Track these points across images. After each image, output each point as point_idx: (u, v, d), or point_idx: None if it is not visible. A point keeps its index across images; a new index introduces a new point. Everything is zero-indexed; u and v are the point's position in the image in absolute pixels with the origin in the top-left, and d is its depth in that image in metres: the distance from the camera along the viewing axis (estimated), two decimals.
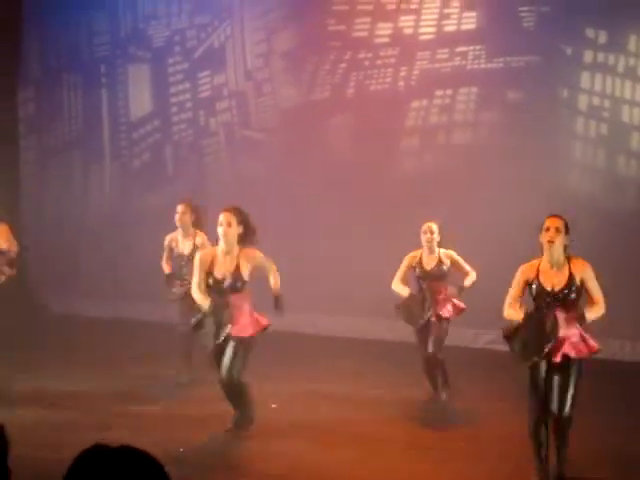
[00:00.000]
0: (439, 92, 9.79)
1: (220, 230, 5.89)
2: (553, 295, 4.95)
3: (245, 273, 5.89)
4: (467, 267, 6.96)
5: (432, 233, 6.94)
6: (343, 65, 10.13)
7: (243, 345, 5.82)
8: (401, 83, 9.94)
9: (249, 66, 10.56)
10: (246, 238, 5.94)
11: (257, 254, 5.98)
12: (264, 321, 5.95)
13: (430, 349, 6.77)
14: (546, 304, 4.97)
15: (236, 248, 5.91)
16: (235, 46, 10.60)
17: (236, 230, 5.89)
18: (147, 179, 11.20)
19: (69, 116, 11.51)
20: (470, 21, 9.57)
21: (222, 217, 5.91)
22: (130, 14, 11.09)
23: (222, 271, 5.86)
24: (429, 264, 6.93)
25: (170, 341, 7.86)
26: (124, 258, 10.80)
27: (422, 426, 6.45)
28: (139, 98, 11.14)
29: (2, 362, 7.71)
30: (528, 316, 4.95)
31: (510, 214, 8.96)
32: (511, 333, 4.95)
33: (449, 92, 9.73)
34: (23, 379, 7.53)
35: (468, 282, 6.93)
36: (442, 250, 6.96)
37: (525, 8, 9.27)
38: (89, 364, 8.15)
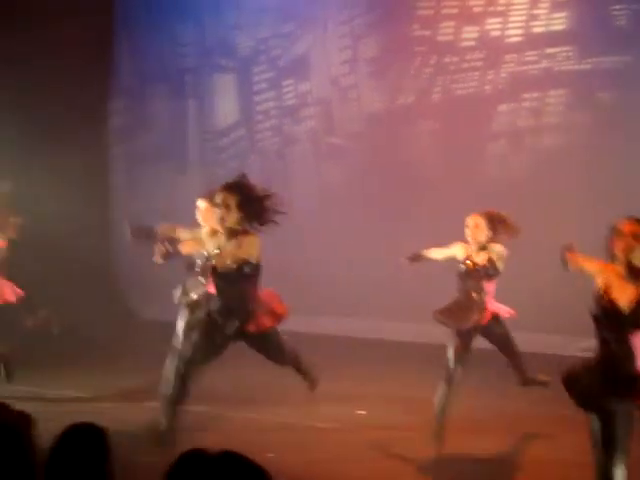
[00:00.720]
0: (527, 95, 9.59)
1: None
2: (628, 315, 4.08)
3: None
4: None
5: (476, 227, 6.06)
6: (428, 70, 10.03)
7: None
8: (488, 87, 9.77)
9: (334, 73, 10.57)
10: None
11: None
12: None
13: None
14: (616, 327, 4.09)
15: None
16: (320, 53, 10.62)
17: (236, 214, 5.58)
18: None
19: (157, 126, 11.73)
20: (559, 22, 9.34)
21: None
22: (216, 24, 11.24)
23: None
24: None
25: None
26: None
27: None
28: (224, 107, 11.28)
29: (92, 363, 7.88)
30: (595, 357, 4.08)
31: (603, 219, 8.67)
32: (573, 379, 4.11)
33: (537, 95, 9.53)
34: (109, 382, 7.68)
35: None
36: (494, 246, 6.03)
37: (617, 6, 9.00)
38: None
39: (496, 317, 6.07)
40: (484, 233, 6.09)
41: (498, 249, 6.06)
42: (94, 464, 2.29)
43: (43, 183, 9.32)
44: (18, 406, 2.09)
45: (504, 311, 6.16)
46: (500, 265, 6.03)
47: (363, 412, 6.85)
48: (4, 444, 1.86)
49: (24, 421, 1.94)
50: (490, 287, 6.07)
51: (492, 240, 6.05)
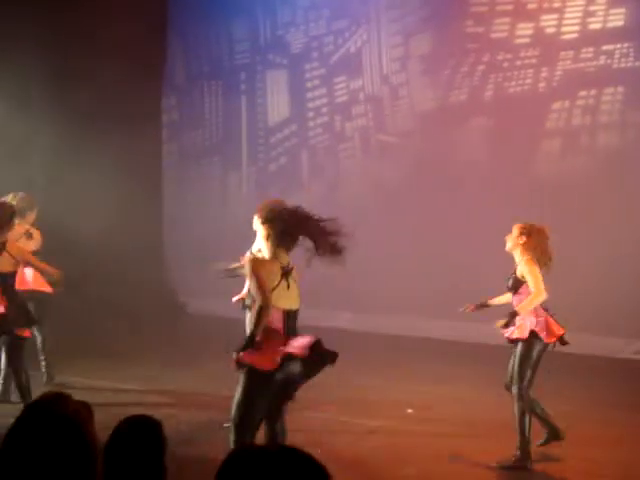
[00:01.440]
0: (582, 93, 9.43)
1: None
2: None
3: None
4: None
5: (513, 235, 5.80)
6: (481, 67, 9.93)
7: None
8: (542, 84, 9.64)
9: (385, 70, 10.53)
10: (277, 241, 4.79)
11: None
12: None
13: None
14: None
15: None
16: (372, 50, 10.59)
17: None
18: (283, 183, 11.36)
19: (209, 122, 11.83)
20: (617, 18, 9.17)
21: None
22: (269, 22, 11.29)
23: None
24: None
25: None
26: None
27: None
28: (277, 104, 11.32)
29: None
30: None
31: None
32: None
33: (593, 92, 9.37)
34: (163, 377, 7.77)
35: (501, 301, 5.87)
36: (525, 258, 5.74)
37: None
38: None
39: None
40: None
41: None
42: (150, 456, 2.32)
43: (97, 179, 9.45)
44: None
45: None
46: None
47: (411, 411, 6.82)
48: (65, 435, 1.90)
49: (85, 412, 1.98)
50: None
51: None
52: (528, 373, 5.56)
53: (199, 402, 7.09)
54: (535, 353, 5.57)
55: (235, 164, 11.76)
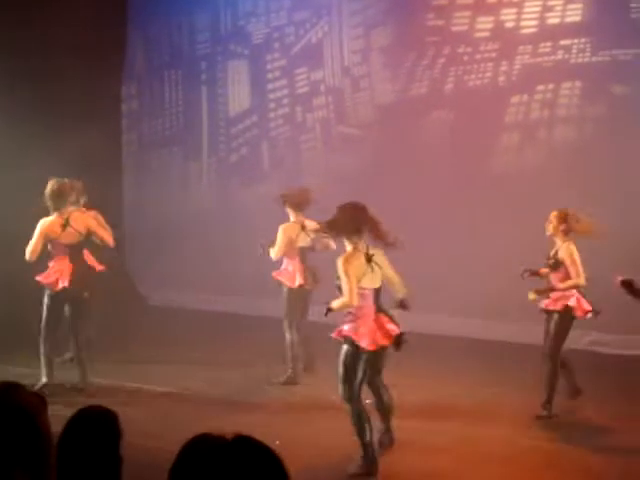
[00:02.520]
0: (541, 87, 9.55)
1: None
2: None
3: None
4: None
5: (550, 222, 6.83)
6: (442, 60, 10.00)
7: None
8: (501, 78, 9.73)
9: (346, 62, 10.55)
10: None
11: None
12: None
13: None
14: None
15: None
16: (333, 42, 10.60)
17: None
18: (244, 174, 11.34)
19: (170, 112, 11.76)
20: (575, 13, 9.29)
21: None
22: (230, 11, 11.24)
23: None
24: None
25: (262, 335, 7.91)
26: (220, 251, 10.95)
27: None
28: (238, 94, 11.29)
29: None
30: None
31: (615, 211, 8.66)
32: None
33: (551, 87, 9.49)
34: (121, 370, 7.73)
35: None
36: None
37: None
38: (187, 357, 8.29)
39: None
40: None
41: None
42: (105, 447, 2.32)
43: (55, 167, 9.34)
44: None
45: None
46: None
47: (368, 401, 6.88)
48: (18, 425, 1.89)
49: (38, 403, 1.97)
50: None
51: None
52: (560, 340, 6.64)
53: (158, 394, 7.07)
54: (567, 324, 6.63)
55: (196, 154, 11.71)
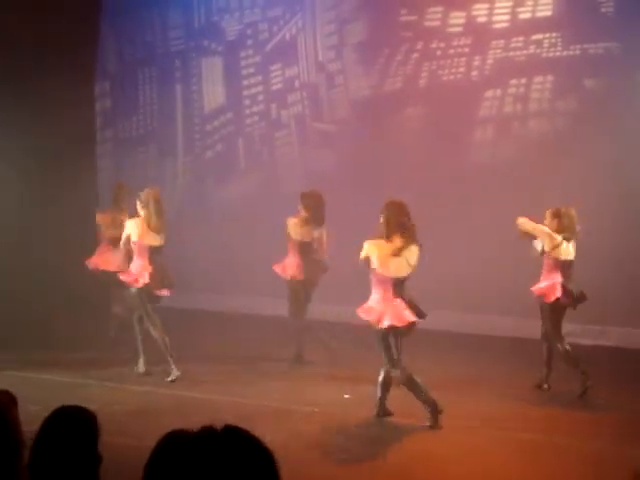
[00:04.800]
0: (513, 81, 9.63)
1: None
2: None
3: None
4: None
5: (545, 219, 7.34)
6: (415, 55, 10.05)
7: None
8: (474, 73, 9.80)
9: (320, 58, 10.57)
10: None
11: None
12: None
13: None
14: None
15: None
16: (307, 38, 10.61)
17: None
18: (220, 171, 11.33)
19: (144, 109, 11.71)
20: (546, 8, 9.38)
21: None
22: (204, 8, 11.21)
23: None
24: None
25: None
26: (196, 249, 10.93)
27: None
28: (212, 91, 11.27)
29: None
30: None
31: (587, 203, 8.77)
32: None
33: (524, 81, 9.57)
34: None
35: None
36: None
37: None
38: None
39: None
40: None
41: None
42: (82, 446, 2.33)
43: (29, 167, 9.29)
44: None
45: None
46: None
47: (347, 396, 6.93)
48: None
49: (7, 400, 1.97)
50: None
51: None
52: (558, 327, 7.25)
53: (136, 392, 7.07)
54: (560, 312, 7.24)
55: (171, 151, 11.67)
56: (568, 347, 7.14)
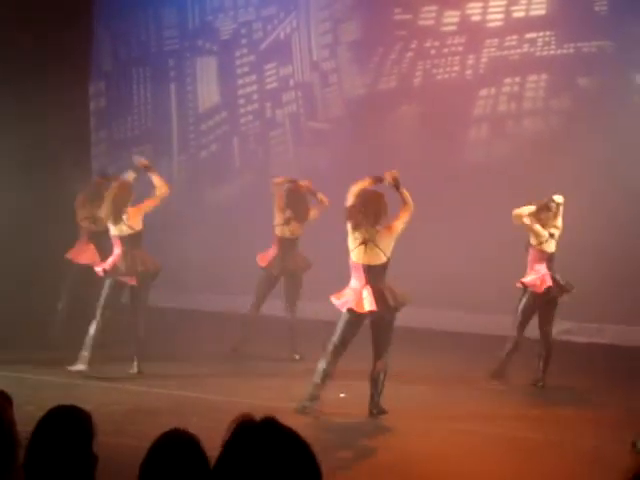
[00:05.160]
0: (508, 80, 9.65)
1: None
2: None
3: None
4: None
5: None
6: (409, 54, 10.06)
7: None
8: (469, 71, 9.82)
9: (315, 57, 10.57)
10: None
11: None
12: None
13: None
14: None
15: None
16: (301, 37, 10.61)
17: None
18: (214, 170, 11.32)
19: (139, 109, 11.70)
20: (540, 7, 9.40)
21: None
22: (198, 7, 11.20)
23: None
24: None
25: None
26: (191, 248, 10.93)
27: None
28: (207, 90, 11.26)
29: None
30: None
31: (582, 201, 8.80)
32: None
33: (518, 80, 9.59)
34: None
35: None
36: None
37: None
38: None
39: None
40: None
41: None
42: (77, 446, 2.33)
43: (24, 169, 9.27)
44: None
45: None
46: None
47: (342, 395, 6.94)
48: None
49: (2, 400, 1.97)
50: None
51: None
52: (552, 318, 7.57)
53: (133, 391, 7.07)
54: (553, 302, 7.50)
55: (166, 151, 11.66)
56: (551, 341, 7.40)
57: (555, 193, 9.05)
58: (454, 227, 9.18)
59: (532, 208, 7.49)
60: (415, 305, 9.18)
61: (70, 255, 8.81)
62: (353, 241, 6.48)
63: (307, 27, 10.57)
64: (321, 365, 6.35)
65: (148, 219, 11.33)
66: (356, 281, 6.42)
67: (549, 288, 7.33)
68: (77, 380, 7.30)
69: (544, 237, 7.40)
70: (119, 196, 7.70)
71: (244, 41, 10.98)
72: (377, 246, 6.43)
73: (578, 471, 5.45)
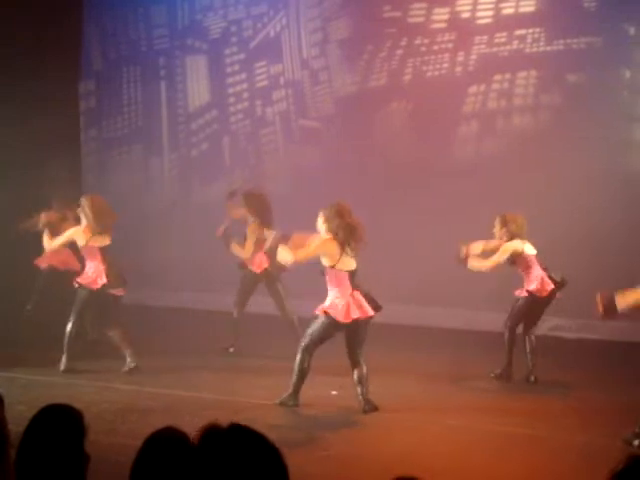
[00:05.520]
0: (497, 77, 9.67)
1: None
2: None
3: None
4: None
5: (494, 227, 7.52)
6: (399, 52, 10.07)
7: None
8: (458, 68, 9.84)
9: (305, 55, 10.57)
10: None
11: None
12: None
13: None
14: None
15: None
16: (291, 35, 10.61)
17: None
18: (206, 169, 11.31)
19: (129, 108, 11.67)
20: (529, 3, 9.42)
21: None
22: (187, 6, 11.19)
23: None
24: None
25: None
26: (181, 247, 10.93)
27: None
28: (197, 89, 11.25)
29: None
30: None
31: (571, 198, 8.84)
32: None
33: (508, 76, 9.61)
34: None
35: None
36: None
37: None
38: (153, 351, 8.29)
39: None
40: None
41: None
42: (68, 445, 2.33)
43: (13, 168, 9.26)
44: None
45: None
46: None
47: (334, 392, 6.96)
48: None
49: None
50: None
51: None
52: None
53: (124, 390, 7.07)
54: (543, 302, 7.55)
55: (157, 150, 11.64)
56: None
57: (545, 189, 9.11)
58: (443, 223, 9.20)
59: (480, 246, 7.48)
60: (404, 302, 9.23)
61: (41, 259, 8.84)
62: (336, 255, 6.44)
63: (297, 25, 10.57)
64: (298, 362, 6.43)
65: (140, 218, 11.35)
66: (340, 291, 6.41)
67: (553, 290, 7.37)
68: (68, 379, 7.30)
69: (519, 249, 7.34)
70: (98, 208, 7.78)
71: (234, 39, 10.97)
72: (350, 251, 6.52)
73: (568, 466, 5.48)
